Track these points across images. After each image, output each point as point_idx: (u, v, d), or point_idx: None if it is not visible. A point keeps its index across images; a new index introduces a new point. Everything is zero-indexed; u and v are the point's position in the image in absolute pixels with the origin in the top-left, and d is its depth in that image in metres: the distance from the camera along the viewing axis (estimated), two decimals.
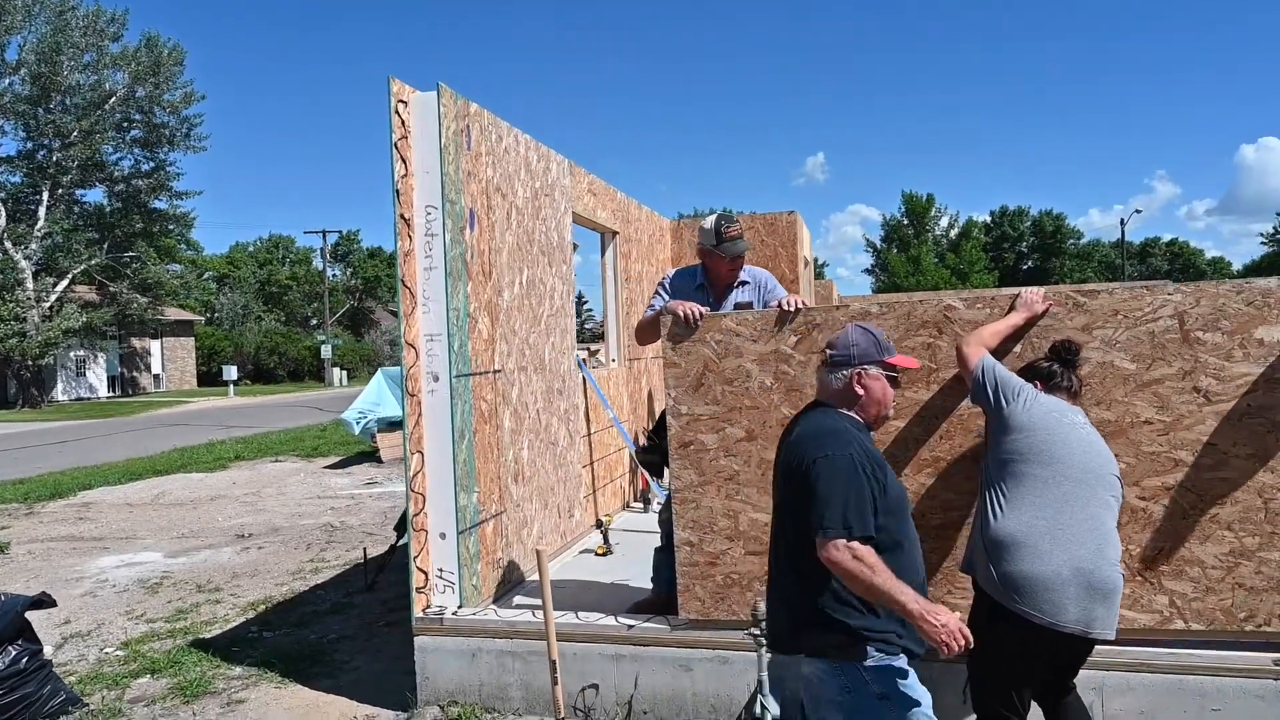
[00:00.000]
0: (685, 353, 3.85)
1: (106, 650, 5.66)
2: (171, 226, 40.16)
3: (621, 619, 4.02)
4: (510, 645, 4.07)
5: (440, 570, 4.30)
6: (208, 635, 5.85)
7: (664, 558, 4.47)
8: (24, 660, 4.37)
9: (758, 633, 3.56)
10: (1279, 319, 3.33)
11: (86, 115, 33.56)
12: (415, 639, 4.21)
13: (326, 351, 46.66)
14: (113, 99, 34.55)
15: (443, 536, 4.31)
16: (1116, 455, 3.23)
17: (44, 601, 4.57)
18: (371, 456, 14.93)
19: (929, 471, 3.66)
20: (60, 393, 36.67)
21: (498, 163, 4.90)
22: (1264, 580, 3.37)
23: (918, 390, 3.65)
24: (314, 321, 60.83)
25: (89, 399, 37.53)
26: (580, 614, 4.02)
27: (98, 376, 39.38)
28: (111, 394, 39.47)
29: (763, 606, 3.67)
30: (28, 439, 21.14)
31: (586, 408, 6.35)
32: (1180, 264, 66.16)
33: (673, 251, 8.85)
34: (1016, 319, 3.47)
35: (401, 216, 4.22)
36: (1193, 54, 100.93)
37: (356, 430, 14.42)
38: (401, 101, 4.24)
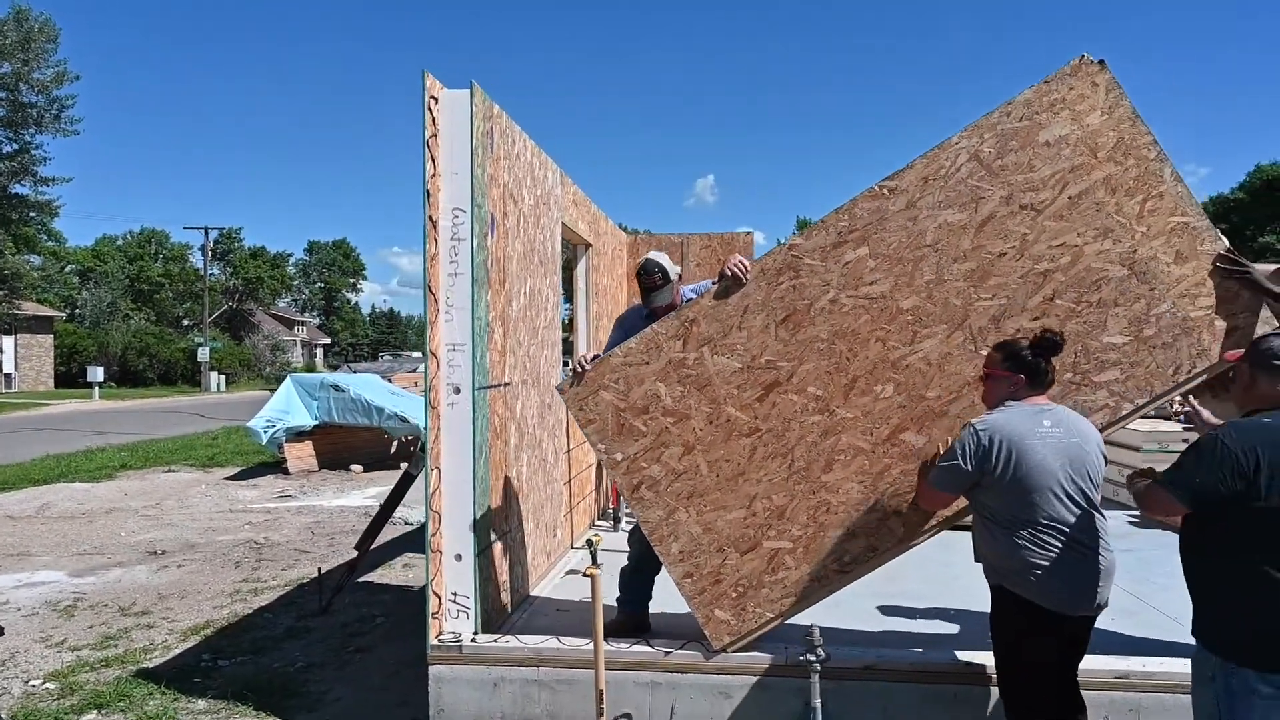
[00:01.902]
0: (592, 406, 3.84)
1: (33, 683, 5.06)
2: (33, 214, 36.99)
3: (656, 645, 3.88)
4: (537, 674, 3.86)
5: (455, 594, 4.05)
6: (151, 664, 5.32)
7: (634, 579, 4.41)
8: None
9: (813, 658, 3.50)
10: (1050, 119, 3.63)
11: None
12: (430, 668, 3.93)
13: (204, 355, 43.91)
14: None
15: (458, 558, 4.06)
16: (992, 295, 3.61)
17: None
18: (276, 467, 14.09)
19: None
20: None
21: (512, 168, 4.71)
22: (1169, 332, 3.59)
23: (805, 329, 3.72)
24: (187, 322, 57.35)
25: None
26: (611, 640, 3.85)
27: None
28: None
29: (818, 632, 3.61)
30: None
31: (568, 423, 6.17)
32: None
33: (628, 267, 8.76)
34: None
35: (430, 219, 3.98)
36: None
37: (264, 440, 13.59)
38: (433, 98, 4.00)
